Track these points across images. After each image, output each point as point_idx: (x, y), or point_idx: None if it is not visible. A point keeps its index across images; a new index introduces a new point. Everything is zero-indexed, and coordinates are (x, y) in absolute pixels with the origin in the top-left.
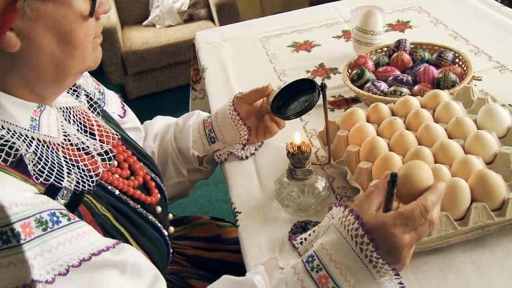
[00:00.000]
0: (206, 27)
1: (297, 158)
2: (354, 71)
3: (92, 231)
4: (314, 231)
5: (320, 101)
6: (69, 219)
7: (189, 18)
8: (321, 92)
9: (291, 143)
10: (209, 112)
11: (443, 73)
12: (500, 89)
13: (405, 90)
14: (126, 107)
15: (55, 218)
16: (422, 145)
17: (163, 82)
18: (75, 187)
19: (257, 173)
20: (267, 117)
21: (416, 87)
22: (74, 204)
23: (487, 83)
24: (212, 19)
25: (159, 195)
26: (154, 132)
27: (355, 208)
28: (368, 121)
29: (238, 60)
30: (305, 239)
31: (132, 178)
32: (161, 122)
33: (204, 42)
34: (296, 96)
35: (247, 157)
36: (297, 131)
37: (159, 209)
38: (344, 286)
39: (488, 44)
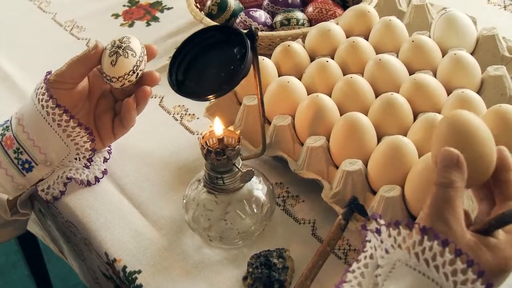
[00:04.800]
0: None
1: (226, 157)
2: (210, 2)
3: None
4: (362, 275)
5: None
6: None
7: None
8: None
9: (204, 136)
10: None
11: None
12: None
13: (300, 15)
14: None
15: None
16: (382, 91)
17: None
18: None
19: (128, 199)
20: (129, 101)
21: (310, 9)
22: None
23: None
24: None
25: None
26: None
27: (433, 226)
28: (279, 73)
29: None
30: None
31: None
32: None
33: None
34: (201, 59)
35: (98, 179)
36: (216, 116)
37: None
38: None
39: None
